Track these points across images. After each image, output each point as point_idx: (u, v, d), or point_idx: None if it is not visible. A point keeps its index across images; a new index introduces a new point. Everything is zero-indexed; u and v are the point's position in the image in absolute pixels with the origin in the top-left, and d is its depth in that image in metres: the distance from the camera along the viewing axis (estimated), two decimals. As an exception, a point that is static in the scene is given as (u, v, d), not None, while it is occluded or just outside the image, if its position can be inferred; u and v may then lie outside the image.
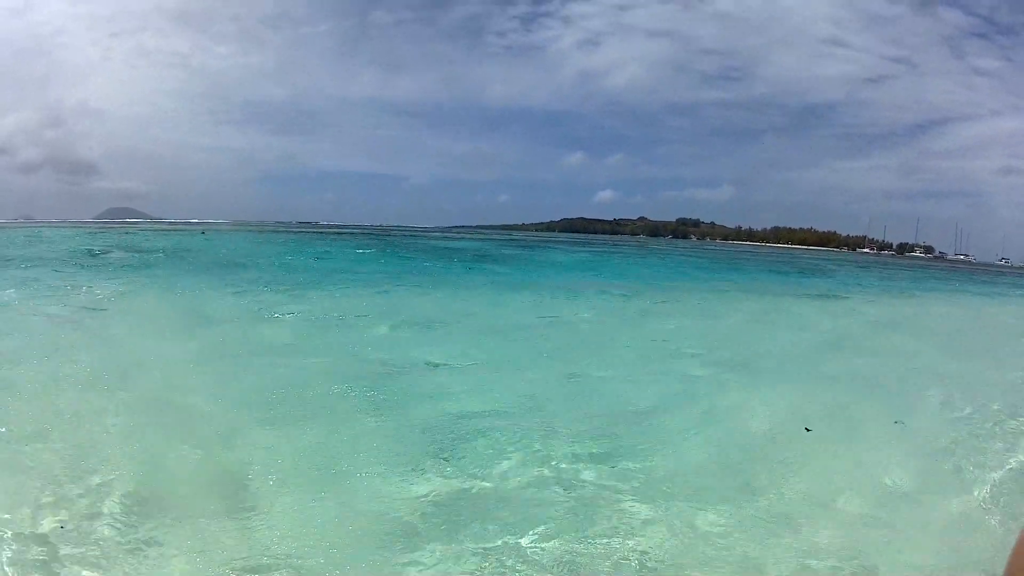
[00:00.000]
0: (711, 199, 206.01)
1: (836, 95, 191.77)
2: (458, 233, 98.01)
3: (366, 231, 74.26)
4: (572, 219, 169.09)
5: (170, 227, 62.39)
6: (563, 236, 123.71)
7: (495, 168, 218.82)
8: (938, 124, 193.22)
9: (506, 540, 3.42)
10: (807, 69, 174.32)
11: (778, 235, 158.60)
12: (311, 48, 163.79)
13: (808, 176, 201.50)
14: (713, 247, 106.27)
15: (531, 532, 3.50)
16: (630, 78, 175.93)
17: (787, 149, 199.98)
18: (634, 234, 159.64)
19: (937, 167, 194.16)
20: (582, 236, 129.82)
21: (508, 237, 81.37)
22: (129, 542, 3.24)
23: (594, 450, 4.78)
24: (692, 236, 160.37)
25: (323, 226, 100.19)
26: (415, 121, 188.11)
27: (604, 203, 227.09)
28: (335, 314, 10.96)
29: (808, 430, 5.31)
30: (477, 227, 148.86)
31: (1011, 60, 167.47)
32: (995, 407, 6.33)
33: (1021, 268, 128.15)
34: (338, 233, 58.84)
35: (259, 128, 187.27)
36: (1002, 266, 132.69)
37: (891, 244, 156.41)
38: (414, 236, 64.01)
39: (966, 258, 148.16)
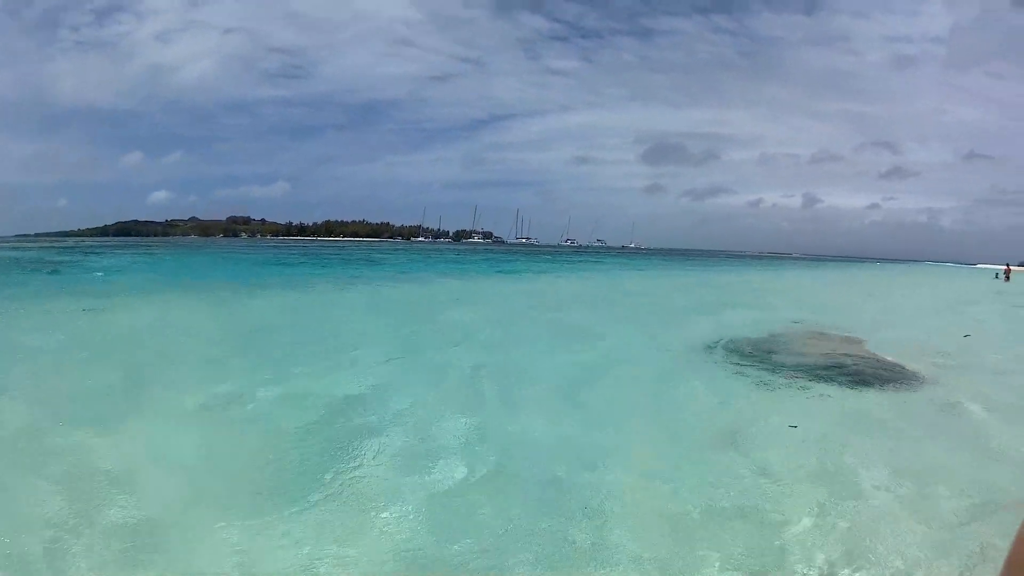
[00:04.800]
0: (265, 196, 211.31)
1: (399, 93, 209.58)
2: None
3: None
4: (126, 222, 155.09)
5: None
6: (115, 240, 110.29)
7: (56, 171, 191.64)
8: (504, 119, 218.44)
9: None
10: (372, 68, 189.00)
11: (330, 228, 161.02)
12: None
13: (364, 171, 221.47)
14: (233, 244, 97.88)
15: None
16: (193, 76, 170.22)
17: (345, 145, 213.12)
18: (185, 235, 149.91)
19: (502, 159, 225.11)
20: (132, 240, 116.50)
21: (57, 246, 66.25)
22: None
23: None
24: (243, 234, 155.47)
25: None
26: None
27: (158, 204, 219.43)
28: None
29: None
30: (37, 235, 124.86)
31: (590, 61, 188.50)
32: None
33: (585, 247, 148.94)
34: None
35: None
36: (565, 246, 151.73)
37: (448, 232, 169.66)
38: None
39: (528, 241, 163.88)
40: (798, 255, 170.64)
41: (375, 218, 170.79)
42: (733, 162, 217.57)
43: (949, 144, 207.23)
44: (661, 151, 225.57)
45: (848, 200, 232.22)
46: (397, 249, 79.00)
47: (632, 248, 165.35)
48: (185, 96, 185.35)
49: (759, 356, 8.90)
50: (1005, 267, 44.57)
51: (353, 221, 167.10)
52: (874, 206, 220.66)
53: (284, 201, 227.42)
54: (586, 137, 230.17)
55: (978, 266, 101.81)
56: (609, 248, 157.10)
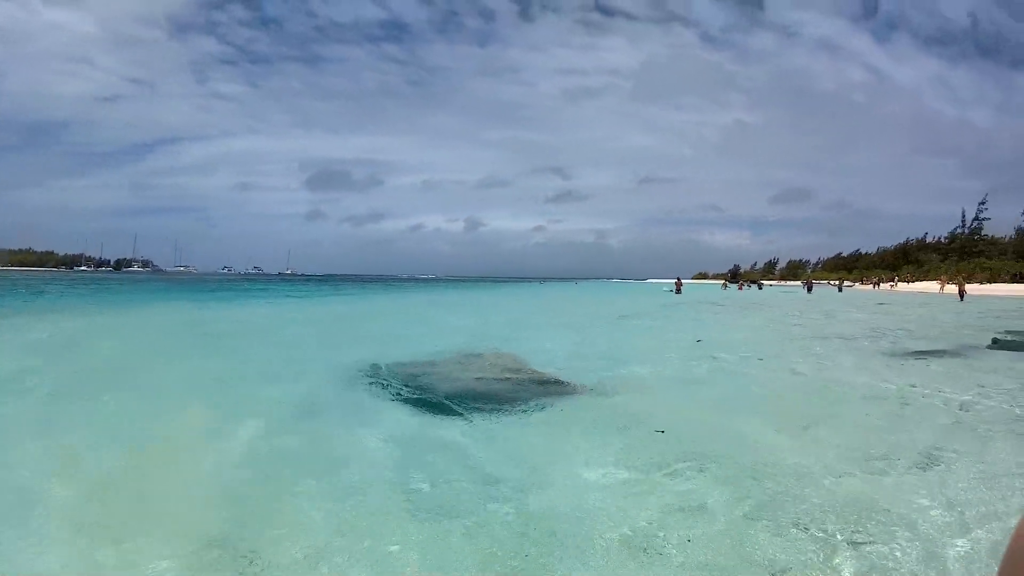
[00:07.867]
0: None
1: (69, 114, 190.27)
2: None
3: None
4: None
5: None
6: None
7: None
8: (168, 143, 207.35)
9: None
10: (47, 86, 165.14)
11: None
12: None
13: (31, 195, 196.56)
14: None
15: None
16: None
17: (13, 168, 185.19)
18: None
19: (163, 184, 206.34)
20: None
21: None
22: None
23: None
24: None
25: None
26: None
27: None
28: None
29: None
30: None
31: (257, 86, 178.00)
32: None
33: (242, 274, 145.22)
34: None
35: None
36: (224, 274, 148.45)
37: (109, 260, 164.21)
38: None
39: (187, 269, 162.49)
40: (459, 276, 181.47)
41: (40, 246, 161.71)
42: (397, 188, 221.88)
43: (623, 169, 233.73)
44: (324, 177, 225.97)
45: (512, 223, 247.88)
46: (56, 279, 65.02)
47: (288, 274, 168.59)
48: None
49: (414, 383, 7.72)
50: (676, 280, 49.51)
51: (20, 250, 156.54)
52: (539, 228, 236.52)
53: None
54: (248, 163, 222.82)
55: (648, 281, 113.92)
56: (266, 275, 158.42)
